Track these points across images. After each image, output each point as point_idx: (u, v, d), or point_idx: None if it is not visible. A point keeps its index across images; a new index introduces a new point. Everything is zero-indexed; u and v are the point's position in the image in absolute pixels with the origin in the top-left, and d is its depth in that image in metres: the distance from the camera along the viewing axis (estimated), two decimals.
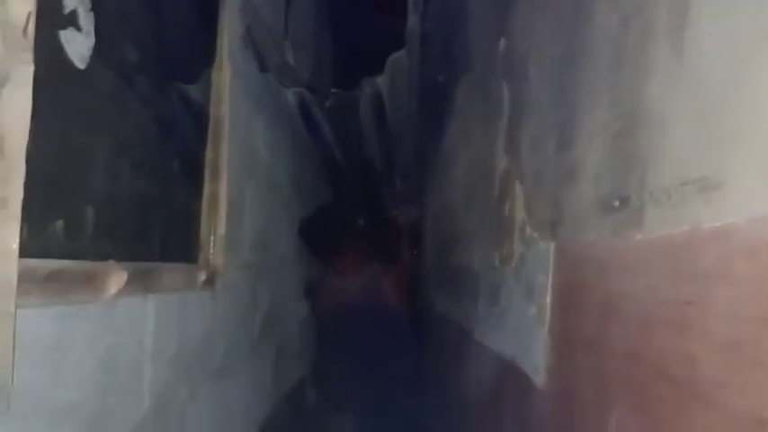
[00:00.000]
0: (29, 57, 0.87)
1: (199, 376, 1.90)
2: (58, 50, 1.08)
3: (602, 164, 1.15)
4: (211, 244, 1.96)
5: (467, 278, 2.78)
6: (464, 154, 3.00)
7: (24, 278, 0.92)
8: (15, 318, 0.88)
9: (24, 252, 0.91)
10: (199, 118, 1.92)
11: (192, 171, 1.88)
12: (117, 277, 1.20)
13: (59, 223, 1.08)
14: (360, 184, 5.98)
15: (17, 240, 0.86)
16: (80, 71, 1.14)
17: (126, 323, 1.36)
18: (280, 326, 3.33)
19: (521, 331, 1.74)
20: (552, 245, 1.47)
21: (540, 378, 1.50)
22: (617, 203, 1.07)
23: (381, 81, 4.84)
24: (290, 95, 3.48)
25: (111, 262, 1.21)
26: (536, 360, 1.55)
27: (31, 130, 0.88)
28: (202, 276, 1.82)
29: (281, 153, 3.33)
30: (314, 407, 4.51)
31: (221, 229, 2.00)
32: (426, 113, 4.50)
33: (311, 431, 4.12)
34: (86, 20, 1.13)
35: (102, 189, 1.26)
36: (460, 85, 3.17)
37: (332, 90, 4.52)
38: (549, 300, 1.48)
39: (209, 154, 1.94)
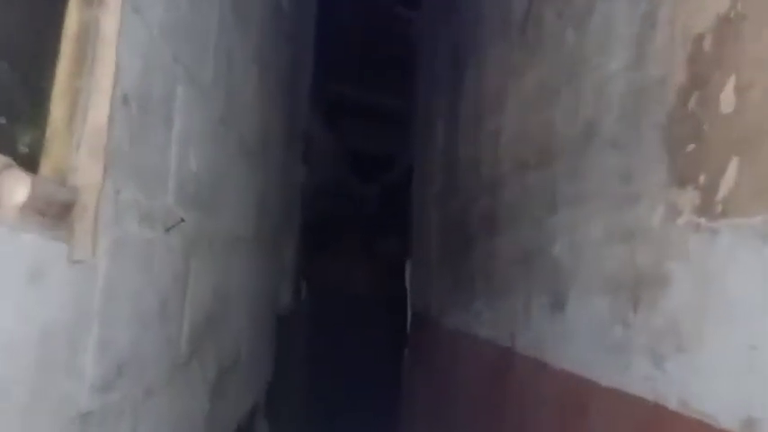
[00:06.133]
0: None
1: (39, 418, 0.82)
2: None
3: None
4: (75, 141, 0.89)
5: (527, 271, 1.76)
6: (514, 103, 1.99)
7: None
8: None
9: None
10: None
11: None
12: None
13: None
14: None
15: None
16: None
17: None
18: (227, 336, 2.23)
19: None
20: None
21: None
22: None
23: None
24: None
25: None
26: None
27: None
28: (37, 197, 0.74)
29: (245, 77, 2.27)
30: None
31: (102, 113, 0.93)
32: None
33: None
34: None
35: None
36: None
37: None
38: None
39: None
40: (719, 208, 0.85)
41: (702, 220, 0.88)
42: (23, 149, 0.84)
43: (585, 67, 1.47)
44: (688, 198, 0.93)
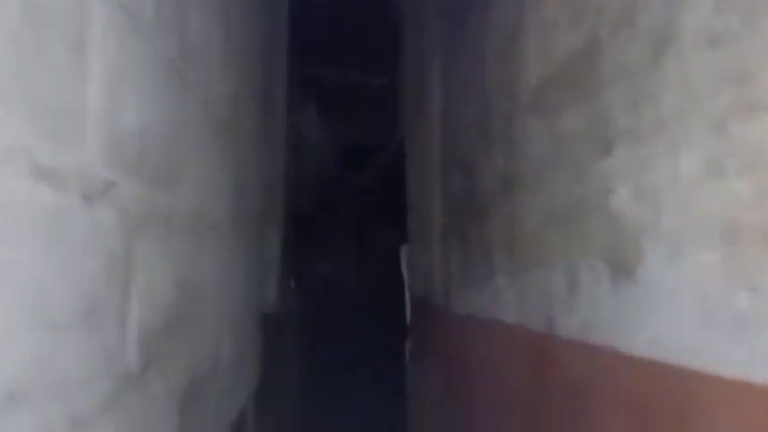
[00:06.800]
0: None
1: None
2: None
3: None
4: None
5: (568, 234, 1.40)
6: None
7: None
8: None
9: None
10: None
11: None
12: None
13: None
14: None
15: None
16: None
17: None
18: (200, 337, 1.85)
19: None
20: None
21: None
22: None
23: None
24: None
25: None
26: None
27: None
28: None
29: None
30: None
31: None
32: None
33: None
34: None
35: None
36: None
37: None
38: None
39: None
40: None
41: None
42: None
43: None
44: None
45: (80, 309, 0.97)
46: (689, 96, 0.95)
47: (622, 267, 1.12)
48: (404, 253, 4.06)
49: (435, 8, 3.01)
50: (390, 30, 4.65)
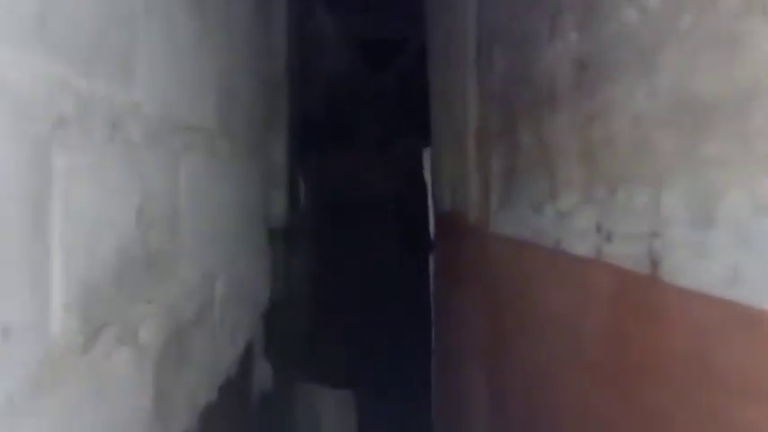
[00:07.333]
0: None
1: None
2: None
3: None
4: None
5: (698, 138, 0.94)
6: None
7: None
8: None
9: None
10: None
11: None
12: None
13: None
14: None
15: None
16: None
17: None
18: (182, 275, 1.46)
19: None
20: None
21: None
22: None
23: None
24: None
25: None
26: None
27: None
28: None
29: None
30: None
31: None
32: None
33: None
34: None
35: None
36: None
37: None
38: None
39: None
40: None
41: None
42: None
43: None
44: None
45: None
46: None
47: None
48: (427, 156, 3.60)
49: None
50: None
